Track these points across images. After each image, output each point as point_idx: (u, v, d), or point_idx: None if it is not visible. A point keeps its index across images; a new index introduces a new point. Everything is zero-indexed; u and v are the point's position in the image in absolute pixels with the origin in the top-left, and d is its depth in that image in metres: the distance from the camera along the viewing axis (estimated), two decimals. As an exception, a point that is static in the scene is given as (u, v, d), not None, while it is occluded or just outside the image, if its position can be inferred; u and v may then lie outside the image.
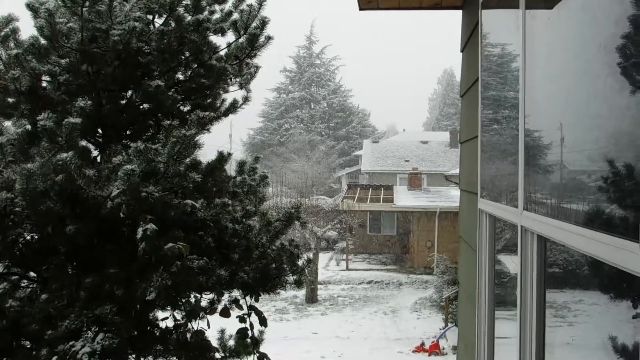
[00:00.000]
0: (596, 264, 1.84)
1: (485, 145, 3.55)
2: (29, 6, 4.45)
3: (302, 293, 20.25)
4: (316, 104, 57.83)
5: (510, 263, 2.97)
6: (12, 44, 4.70)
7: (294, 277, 4.64)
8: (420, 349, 14.61)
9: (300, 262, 4.69)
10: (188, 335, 4.60)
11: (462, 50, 4.58)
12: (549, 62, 2.38)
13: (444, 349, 14.58)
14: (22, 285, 4.42)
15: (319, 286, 21.43)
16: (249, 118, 54.17)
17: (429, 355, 14.35)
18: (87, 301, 3.67)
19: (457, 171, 21.82)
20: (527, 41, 2.59)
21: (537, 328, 2.40)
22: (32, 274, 4.59)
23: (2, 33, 4.64)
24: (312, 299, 20.31)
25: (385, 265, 26.64)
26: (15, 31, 4.55)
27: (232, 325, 5.15)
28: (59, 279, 3.83)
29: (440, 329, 16.13)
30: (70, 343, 3.52)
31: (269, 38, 4.81)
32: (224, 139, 45.04)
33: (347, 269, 25.54)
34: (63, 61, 4.61)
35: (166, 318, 4.91)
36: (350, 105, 57.99)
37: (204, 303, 5.00)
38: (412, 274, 24.42)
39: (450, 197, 25.32)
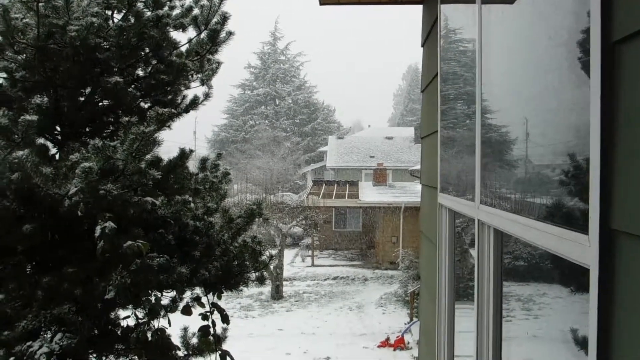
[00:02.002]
0: (550, 257, 1.91)
1: (444, 140, 3.60)
2: (-18, 2, 4.33)
3: (267, 290, 20.22)
4: (281, 100, 57.72)
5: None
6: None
7: (257, 274, 4.64)
8: (386, 343, 14.78)
9: (262, 259, 4.69)
10: (149, 334, 4.56)
11: (422, 45, 4.64)
12: (503, 57, 2.44)
13: (408, 343, 14.77)
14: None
15: (284, 283, 21.43)
16: (213, 115, 53.70)
17: (394, 349, 14.52)
18: (46, 301, 3.60)
19: (420, 167, 22.18)
20: (482, 36, 2.63)
21: (494, 320, 2.46)
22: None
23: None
24: (277, 295, 20.30)
25: (351, 260, 26.81)
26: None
27: (195, 323, 5.12)
28: (16, 279, 3.75)
29: (405, 324, 16.35)
30: (28, 344, 3.45)
31: (230, 34, 4.79)
32: (188, 136, 44.48)
33: (313, 265, 25.61)
34: (19, 57, 4.50)
35: (128, 317, 4.85)
36: (315, 101, 58.09)
37: (165, 301, 4.96)
38: (377, 269, 24.65)
39: (415, 192, 25.63)
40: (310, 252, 26.52)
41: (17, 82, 4.47)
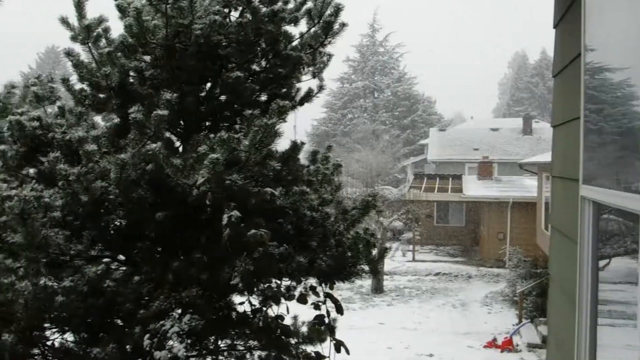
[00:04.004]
0: None
1: (592, 127, 3.26)
2: (119, 7, 4.72)
3: (367, 283, 20.23)
4: (380, 92, 57.40)
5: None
6: (101, 43, 4.99)
7: (370, 266, 4.69)
8: (492, 344, 14.22)
9: (376, 251, 4.73)
10: (268, 320, 4.75)
11: (555, 26, 4.33)
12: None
13: (517, 345, 14.14)
14: (112, 267, 4.70)
15: (384, 277, 21.37)
16: (312, 109, 54.49)
17: (502, 351, 13.92)
18: (175, 284, 3.87)
19: (532, 159, 20.98)
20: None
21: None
22: (121, 257, 4.88)
23: (94, 33, 4.93)
24: (378, 289, 20.29)
25: (453, 257, 26.20)
26: (106, 30, 4.83)
27: (303, 312, 5.23)
28: (149, 262, 4.06)
29: (514, 325, 15.67)
30: (161, 322, 3.73)
31: (343, 25, 4.84)
32: (288, 130, 45.44)
33: (414, 260, 25.32)
34: (147, 57, 4.86)
35: (242, 303, 5.07)
36: (415, 93, 57.11)
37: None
38: (481, 266, 23.87)
39: (524, 186, 24.48)
40: (411, 247, 26.24)
41: (146, 80, 4.82)
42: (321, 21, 4.78)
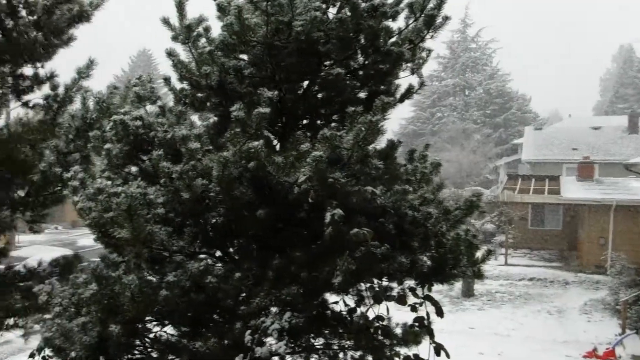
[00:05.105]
0: None
1: None
2: (219, 5, 4.82)
3: (457, 286, 19.68)
4: (471, 90, 55.78)
5: None
6: (199, 43, 5.11)
7: (474, 268, 4.49)
8: (592, 354, 13.36)
9: (479, 254, 4.53)
10: (359, 321, 4.67)
11: None
12: None
13: (620, 357, 13.21)
14: (211, 263, 4.80)
15: (475, 280, 20.71)
16: (400, 107, 53.72)
17: (602, 362, 13.10)
18: (274, 281, 3.88)
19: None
20: None
21: None
22: (218, 253, 4.98)
23: (194, 33, 5.06)
24: (468, 293, 19.70)
25: (549, 261, 24.94)
26: (207, 30, 4.94)
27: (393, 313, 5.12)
28: (248, 259, 4.10)
29: (617, 335, 14.66)
30: (262, 319, 3.75)
31: (446, 18, 4.66)
32: (377, 129, 45.18)
33: (506, 264, 24.35)
34: (246, 56, 4.91)
35: (336, 302, 5.02)
36: (508, 90, 55.03)
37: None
38: (580, 272, 22.53)
39: (629, 189, 22.86)
40: (503, 250, 25.26)
41: (245, 78, 4.87)
42: (423, 14, 4.62)
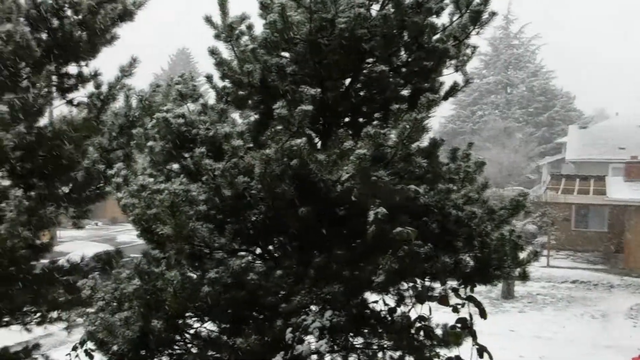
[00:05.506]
0: None
1: None
2: (262, 3, 4.83)
3: (497, 288, 19.35)
4: (513, 88, 54.63)
5: None
6: (241, 41, 5.13)
7: (519, 269, 4.39)
8: (638, 360, 12.95)
9: (525, 255, 4.43)
10: (398, 320, 4.62)
11: None
12: None
13: (668, 365, 12.73)
14: (252, 261, 4.82)
15: (515, 282, 20.28)
16: (440, 105, 53.15)
17: (650, 368, 12.63)
18: (315, 279, 3.87)
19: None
20: None
21: None
22: (258, 250, 5.00)
23: (237, 31, 5.08)
24: (508, 294, 19.34)
25: (593, 264, 24.26)
26: (250, 27, 4.95)
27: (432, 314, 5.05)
28: (289, 257, 4.10)
29: (665, 342, 14.15)
30: (302, 317, 3.75)
31: (493, 14, 4.55)
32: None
33: (548, 265, 23.78)
34: (288, 54, 4.91)
35: (376, 301, 4.98)
36: (552, 88, 53.66)
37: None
38: (626, 275, 21.86)
39: (680, 190, 22.04)
40: (545, 252, 24.68)
41: (287, 76, 4.87)
42: (469, 10, 4.53)
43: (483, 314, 4.48)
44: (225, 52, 5.16)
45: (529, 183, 39.33)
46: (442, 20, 4.87)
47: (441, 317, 5.04)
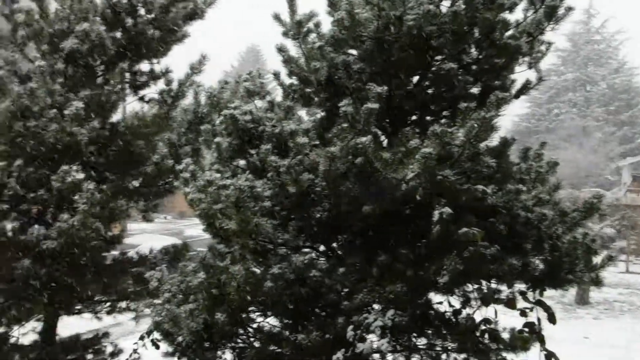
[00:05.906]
0: None
1: None
2: (330, 1, 4.85)
3: (571, 293, 18.59)
4: (593, 85, 51.97)
5: None
6: (309, 39, 5.17)
7: (592, 274, 4.20)
8: None
9: (599, 259, 4.23)
10: (462, 322, 4.52)
11: None
12: None
13: None
14: (314, 257, 4.86)
15: (590, 287, 19.40)
16: (514, 104, 51.42)
17: None
18: (378, 278, 3.86)
19: None
20: None
21: None
22: (321, 247, 5.02)
23: (305, 28, 5.12)
24: (582, 300, 18.55)
25: (677, 271, 22.86)
26: (317, 25, 4.99)
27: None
28: (352, 255, 4.11)
29: None
30: (364, 315, 3.75)
31: (569, 9, 4.36)
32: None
33: (627, 271, 22.64)
34: (355, 51, 4.90)
35: (441, 302, 4.89)
36: (636, 85, 50.62)
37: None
38: None
39: None
40: (624, 257, 23.43)
41: (354, 73, 4.86)
42: (544, 5, 4.36)
43: (552, 319, 4.30)
44: (293, 50, 5.22)
45: (608, 184, 37.46)
46: (515, 16, 4.73)
47: (508, 321, 4.91)
